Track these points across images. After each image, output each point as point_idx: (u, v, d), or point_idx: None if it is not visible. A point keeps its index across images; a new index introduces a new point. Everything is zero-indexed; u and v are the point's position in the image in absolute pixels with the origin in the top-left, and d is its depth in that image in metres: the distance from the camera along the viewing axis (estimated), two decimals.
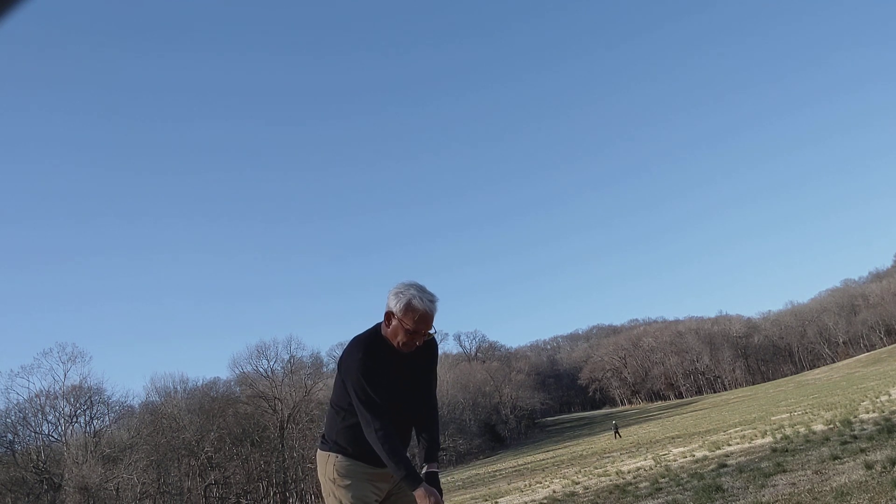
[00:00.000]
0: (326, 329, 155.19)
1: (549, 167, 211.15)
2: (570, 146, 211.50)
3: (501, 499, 16.58)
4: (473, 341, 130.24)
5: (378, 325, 2.74)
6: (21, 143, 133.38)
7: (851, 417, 14.34)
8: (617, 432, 49.54)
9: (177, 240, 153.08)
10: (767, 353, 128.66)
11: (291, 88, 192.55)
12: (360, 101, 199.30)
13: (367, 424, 2.56)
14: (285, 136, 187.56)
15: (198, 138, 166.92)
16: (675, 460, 15.10)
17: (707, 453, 14.50)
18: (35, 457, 51.01)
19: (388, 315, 2.66)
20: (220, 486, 59.66)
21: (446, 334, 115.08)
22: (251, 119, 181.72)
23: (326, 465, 2.74)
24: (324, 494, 2.76)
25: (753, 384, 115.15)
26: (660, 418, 69.57)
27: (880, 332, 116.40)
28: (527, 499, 14.65)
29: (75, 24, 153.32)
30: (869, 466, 6.72)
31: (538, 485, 18.24)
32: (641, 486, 11.20)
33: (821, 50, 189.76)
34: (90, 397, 57.53)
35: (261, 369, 69.39)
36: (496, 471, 36.08)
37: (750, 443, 14.64)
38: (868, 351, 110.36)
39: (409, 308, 2.59)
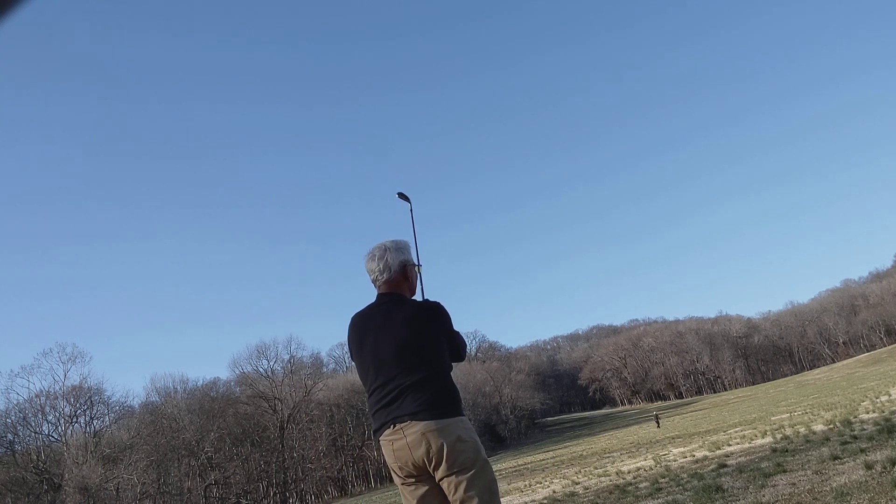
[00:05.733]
0: (327, 329, 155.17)
1: (547, 169, 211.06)
2: (568, 146, 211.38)
3: (501, 499, 16.56)
4: (473, 341, 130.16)
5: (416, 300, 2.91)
6: (18, 142, 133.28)
7: (851, 417, 14.33)
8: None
9: (176, 239, 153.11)
10: (767, 353, 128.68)
11: (302, 76, 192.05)
12: (363, 92, 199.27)
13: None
14: (281, 128, 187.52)
15: (196, 137, 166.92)
16: (675, 460, 15.09)
17: (707, 453, 14.49)
18: (35, 457, 51.02)
19: None
20: (220, 486, 59.67)
21: None
22: (259, 109, 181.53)
23: None
24: None
25: (753, 384, 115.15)
26: (660, 418, 69.46)
27: (880, 332, 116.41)
28: (527, 499, 14.64)
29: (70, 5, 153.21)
30: (869, 466, 6.71)
31: (538, 485, 18.23)
32: (641, 486, 11.20)
33: (821, 46, 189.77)
34: (90, 397, 57.61)
35: (261, 369, 69.49)
36: (496, 471, 36.03)
37: (750, 443, 14.64)
38: (868, 351, 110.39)
39: None
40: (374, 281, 2.89)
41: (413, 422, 2.55)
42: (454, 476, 2.53)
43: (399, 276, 2.84)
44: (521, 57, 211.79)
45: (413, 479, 2.64)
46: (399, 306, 2.75)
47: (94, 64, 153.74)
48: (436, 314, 2.71)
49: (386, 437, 2.64)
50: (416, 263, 2.95)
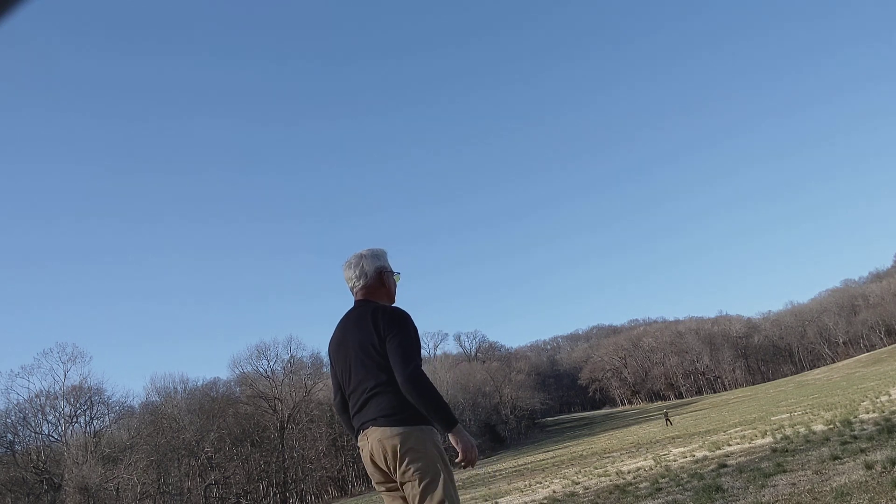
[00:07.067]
0: (326, 329, 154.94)
1: (548, 168, 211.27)
2: (568, 147, 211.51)
3: (501, 499, 16.54)
4: (473, 341, 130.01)
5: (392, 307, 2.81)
6: (19, 144, 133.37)
7: (851, 417, 14.34)
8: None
9: (177, 240, 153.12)
10: (767, 353, 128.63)
11: (291, 90, 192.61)
12: (359, 102, 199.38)
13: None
14: (282, 136, 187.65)
15: (195, 138, 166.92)
16: (675, 460, 15.09)
17: (707, 453, 14.49)
18: (35, 457, 51.00)
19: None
20: (220, 486, 59.63)
21: (446, 334, 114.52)
22: (248, 119, 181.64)
23: None
24: None
25: (753, 384, 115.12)
26: (660, 419, 69.50)
27: (880, 332, 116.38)
28: (527, 499, 14.64)
29: (69, 23, 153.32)
30: (869, 466, 6.71)
31: (538, 485, 18.22)
32: (641, 486, 11.19)
33: (820, 49, 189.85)
34: (90, 397, 57.52)
35: (261, 369, 69.40)
36: (496, 471, 36.09)
37: (750, 443, 14.64)
38: (868, 351, 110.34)
39: None
40: (351, 289, 2.87)
41: (374, 427, 2.57)
42: (409, 485, 2.53)
43: (375, 283, 2.83)
44: (524, 71, 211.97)
45: (384, 486, 2.65)
46: (367, 312, 2.71)
47: (102, 83, 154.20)
48: (395, 319, 2.63)
49: (359, 443, 2.67)
50: (394, 271, 2.91)
